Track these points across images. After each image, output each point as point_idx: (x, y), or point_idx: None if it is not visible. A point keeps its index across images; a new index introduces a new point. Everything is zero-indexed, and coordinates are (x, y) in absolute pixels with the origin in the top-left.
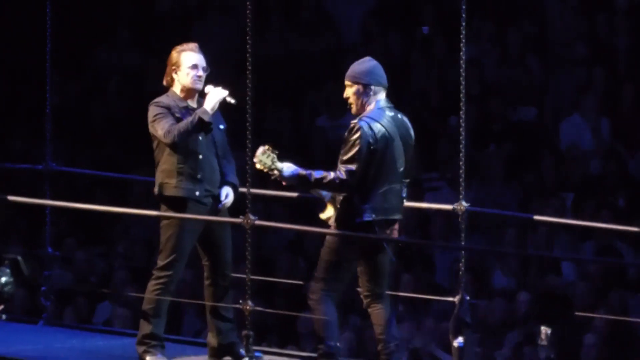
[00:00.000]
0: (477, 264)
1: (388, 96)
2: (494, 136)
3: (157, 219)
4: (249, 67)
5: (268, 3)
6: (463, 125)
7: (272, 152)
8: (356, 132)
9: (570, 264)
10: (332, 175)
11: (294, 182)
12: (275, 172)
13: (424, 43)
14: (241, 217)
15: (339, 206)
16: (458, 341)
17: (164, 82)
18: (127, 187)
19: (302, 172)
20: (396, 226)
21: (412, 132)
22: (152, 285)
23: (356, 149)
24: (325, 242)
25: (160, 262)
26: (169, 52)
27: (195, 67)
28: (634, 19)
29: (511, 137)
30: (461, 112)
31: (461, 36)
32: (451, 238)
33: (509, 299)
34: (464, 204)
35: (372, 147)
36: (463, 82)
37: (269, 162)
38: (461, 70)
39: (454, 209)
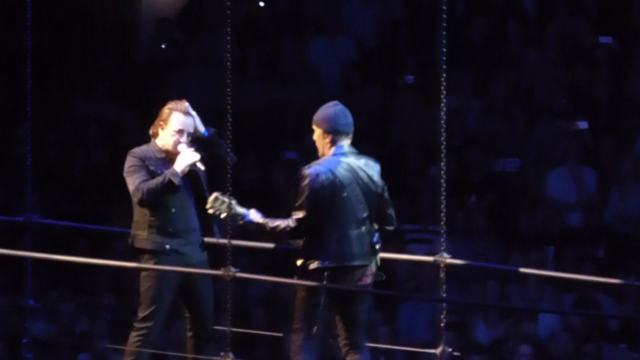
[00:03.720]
0: (459, 316)
1: (367, 145)
2: (475, 187)
3: (138, 270)
4: (230, 119)
5: (249, 54)
6: (444, 176)
7: (228, 197)
8: (304, 179)
9: (552, 315)
10: (284, 223)
11: (254, 228)
12: (238, 217)
13: (405, 94)
14: (222, 269)
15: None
16: None
17: (150, 132)
18: (109, 238)
19: (261, 219)
20: (368, 272)
21: (376, 179)
22: (132, 337)
23: (304, 196)
24: (297, 290)
25: (140, 314)
26: (147, 103)
27: (180, 132)
28: (613, 70)
29: (493, 189)
30: (442, 164)
31: (442, 87)
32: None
33: (491, 352)
34: (445, 255)
35: (319, 195)
36: (444, 134)
37: (223, 208)
38: (442, 121)
39: (435, 261)
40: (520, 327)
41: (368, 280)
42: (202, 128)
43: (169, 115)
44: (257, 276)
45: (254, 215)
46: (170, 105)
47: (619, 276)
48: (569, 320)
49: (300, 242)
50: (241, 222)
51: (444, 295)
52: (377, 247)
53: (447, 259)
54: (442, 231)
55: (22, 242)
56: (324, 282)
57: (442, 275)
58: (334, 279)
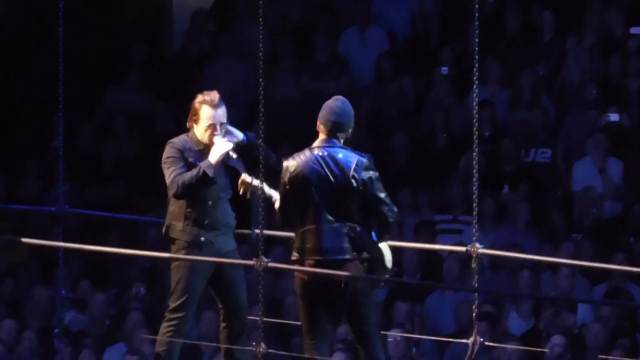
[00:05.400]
0: (492, 307)
1: (398, 135)
2: (507, 178)
3: (169, 260)
4: (262, 109)
5: (281, 45)
6: (476, 167)
7: (256, 180)
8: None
9: (585, 306)
10: None
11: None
12: (269, 199)
13: (437, 84)
14: (254, 259)
15: None
16: None
17: (187, 125)
18: (140, 228)
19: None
20: (349, 266)
21: (350, 174)
22: (164, 327)
23: (279, 186)
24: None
25: (172, 304)
26: (179, 94)
27: (212, 126)
28: None
29: (525, 179)
30: (474, 154)
31: (474, 77)
32: (467, 280)
33: (524, 342)
34: (478, 245)
35: (286, 187)
36: (476, 124)
37: (251, 189)
38: (474, 111)
39: (467, 251)
40: (556, 317)
41: (349, 273)
42: (240, 135)
43: (199, 109)
44: (288, 266)
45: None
46: (199, 98)
47: None
48: (601, 311)
49: None
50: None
51: (476, 285)
52: (361, 242)
53: (479, 249)
54: (474, 221)
55: (55, 232)
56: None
57: (474, 265)
58: (305, 272)
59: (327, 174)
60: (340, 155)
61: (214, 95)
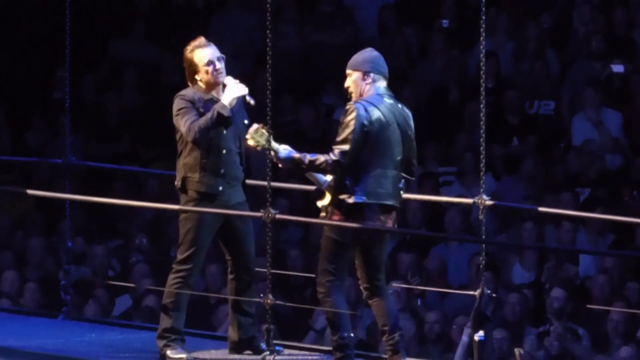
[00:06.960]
0: (497, 257)
1: (401, 88)
2: (512, 130)
3: (176, 212)
4: (269, 61)
5: None
6: (483, 118)
7: (267, 131)
8: (351, 113)
9: (588, 257)
10: (324, 157)
11: (289, 164)
12: (272, 152)
13: (441, 36)
14: (262, 211)
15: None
16: (478, 335)
17: (189, 83)
18: (145, 180)
19: (297, 155)
20: (393, 215)
21: (411, 123)
22: (171, 279)
23: (349, 129)
24: (324, 231)
25: (180, 256)
26: (185, 46)
27: (210, 63)
28: None
29: (529, 131)
30: (481, 106)
31: (481, 29)
32: (469, 232)
33: (528, 293)
34: (485, 197)
35: (365, 129)
36: (483, 76)
37: (262, 141)
38: (481, 63)
39: (474, 203)
40: (559, 269)
41: (391, 222)
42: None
43: (192, 57)
44: (296, 217)
45: (288, 151)
46: (187, 49)
47: None
48: (605, 262)
49: (331, 180)
50: (274, 159)
51: (483, 237)
52: (402, 192)
53: (487, 200)
54: (481, 173)
55: (60, 185)
56: (363, 218)
57: (481, 217)
58: (367, 216)
59: (397, 122)
60: (399, 105)
61: (199, 39)
